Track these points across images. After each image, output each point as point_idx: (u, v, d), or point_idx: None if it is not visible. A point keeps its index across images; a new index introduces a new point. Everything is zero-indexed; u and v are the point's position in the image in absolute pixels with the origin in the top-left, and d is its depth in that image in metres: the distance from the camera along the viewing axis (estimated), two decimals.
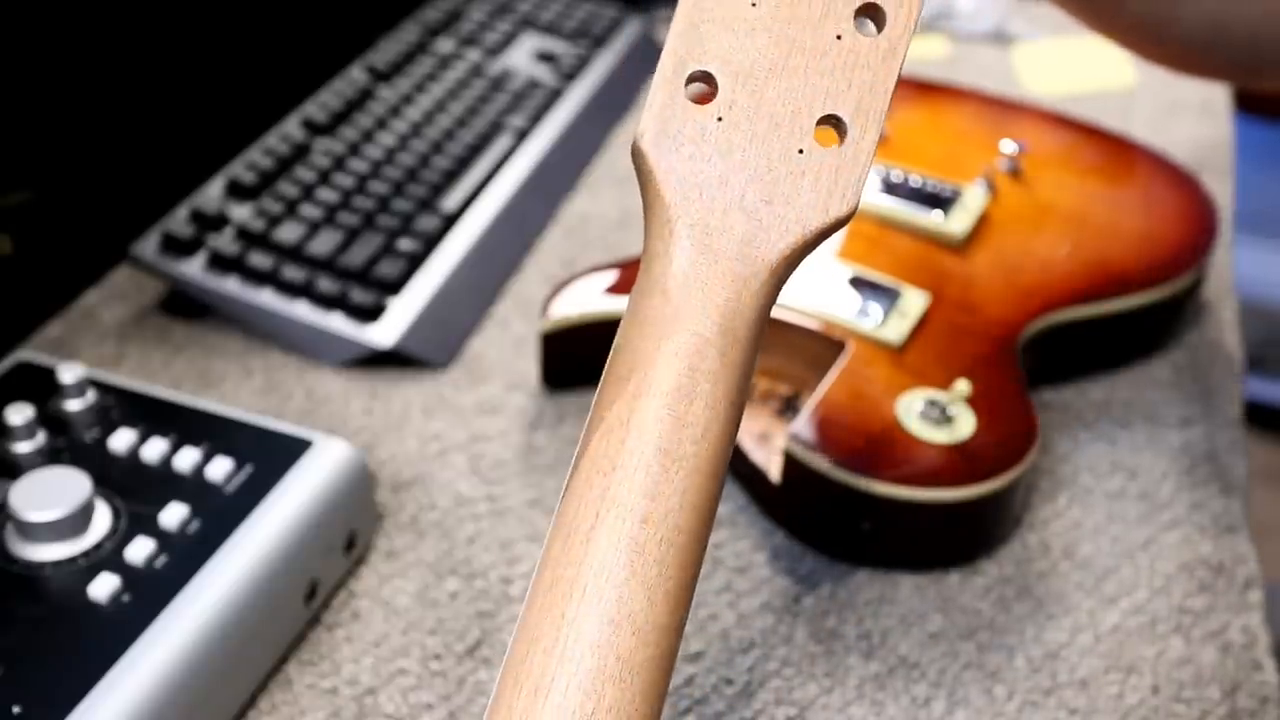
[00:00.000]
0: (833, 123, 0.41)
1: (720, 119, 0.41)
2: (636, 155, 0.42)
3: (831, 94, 0.41)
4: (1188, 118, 0.99)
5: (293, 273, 0.73)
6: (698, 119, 0.41)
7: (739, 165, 0.41)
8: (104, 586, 0.52)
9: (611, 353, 0.42)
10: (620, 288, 0.71)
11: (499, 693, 0.38)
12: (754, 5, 0.42)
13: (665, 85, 0.42)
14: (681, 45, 0.42)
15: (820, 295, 0.70)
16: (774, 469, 0.64)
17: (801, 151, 0.41)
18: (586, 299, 0.70)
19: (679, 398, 0.40)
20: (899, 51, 0.41)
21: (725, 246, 0.41)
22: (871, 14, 0.42)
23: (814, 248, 0.42)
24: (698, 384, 0.40)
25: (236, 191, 0.78)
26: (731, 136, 0.41)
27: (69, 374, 0.60)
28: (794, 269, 0.42)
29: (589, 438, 0.41)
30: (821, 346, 0.68)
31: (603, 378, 0.42)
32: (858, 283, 0.71)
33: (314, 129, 0.84)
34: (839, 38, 0.41)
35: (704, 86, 0.42)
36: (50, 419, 0.60)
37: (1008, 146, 0.79)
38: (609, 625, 0.38)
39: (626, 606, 0.38)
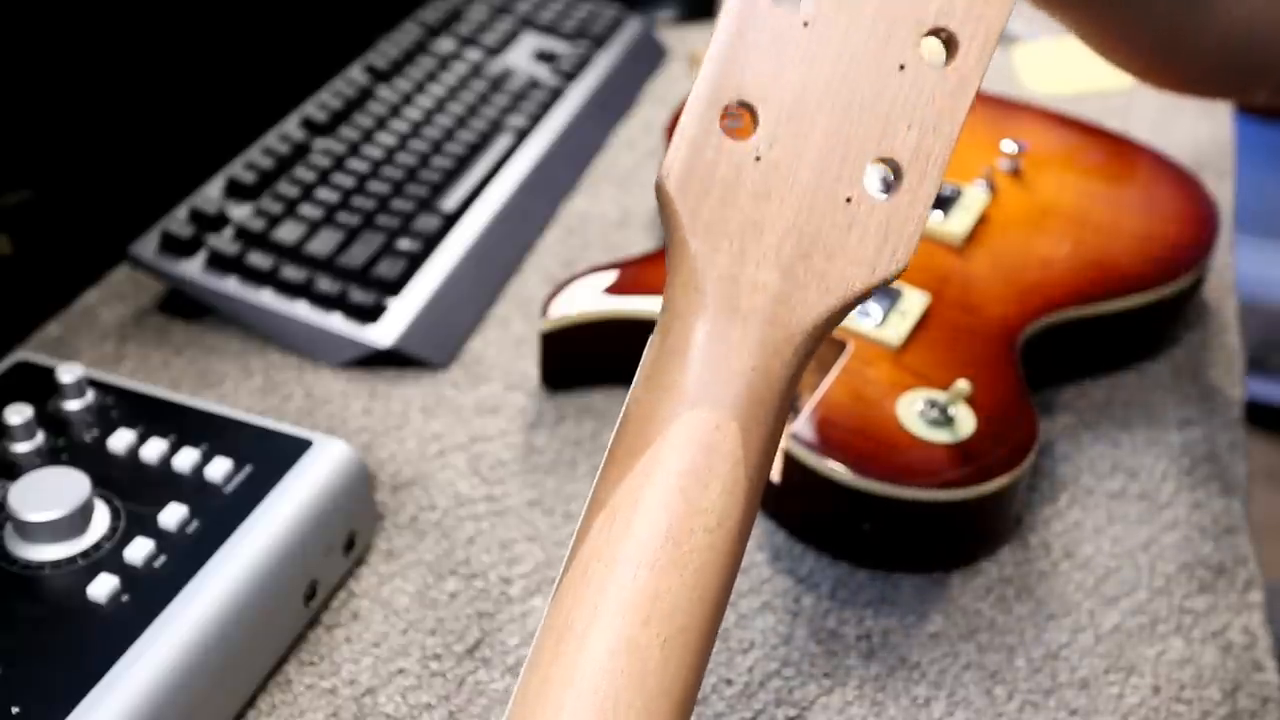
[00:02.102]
0: (888, 167, 0.36)
1: (759, 158, 0.36)
2: (660, 195, 0.37)
3: (889, 134, 0.36)
4: (1188, 118, 0.98)
5: (292, 273, 0.73)
6: (732, 157, 0.36)
7: (777, 213, 0.36)
8: (103, 587, 0.52)
9: (619, 421, 0.38)
10: (620, 288, 0.71)
11: None
12: (806, 25, 0.36)
13: (698, 116, 0.36)
14: (719, 70, 0.36)
15: None
16: (774, 469, 0.64)
17: (849, 200, 0.36)
18: (586, 299, 0.70)
19: (693, 482, 0.36)
20: (970, 87, 0.36)
21: (756, 307, 0.36)
22: (944, 41, 0.36)
23: (855, 308, 0.37)
24: (715, 467, 0.36)
25: (236, 191, 0.78)
26: (770, 179, 0.36)
27: (68, 374, 0.60)
28: (830, 331, 0.37)
29: (589, 521, 0.37)
30: (821, 346, 0.68)
31: (608, 450, 0.38)
32: None
33: (314, 129, 0.84)
34: (902, 68, 0.36)
35: (742, 119, 0.37)
36: (50, 419, 0.60)
37: (1008, 146, 0.79)
38: None
39: (621, 713, 0.34)
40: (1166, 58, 0.63)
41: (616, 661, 0.35)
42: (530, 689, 0.35)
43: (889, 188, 0.36)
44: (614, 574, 0.35)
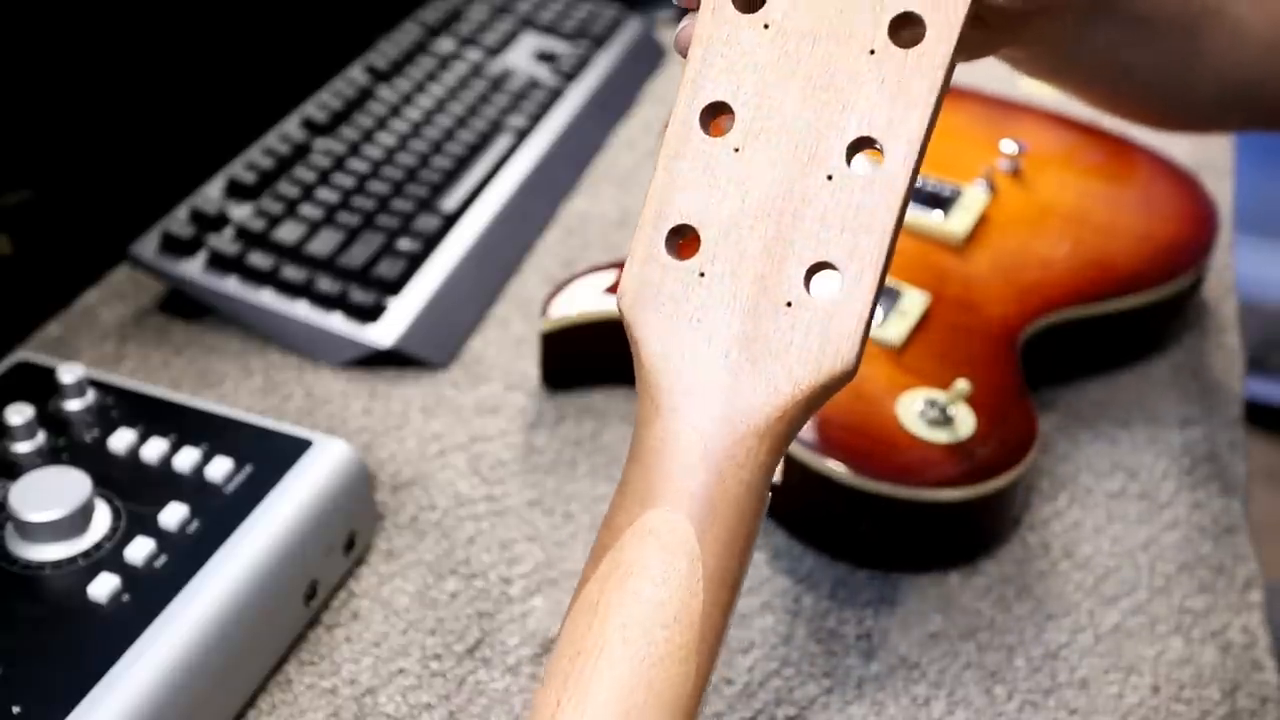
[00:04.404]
0: (822, 270, 0.38)
1: (702, 274, 0.39)
2: (619, 312, 0.39)
3: (823, 240, 0.38)
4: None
5: (293, 273, 0.73)
6: (679, 275, 0.39)
7: (723, 324, 0.38)
8: (104, 586, 0.52)
9: (603, 524, 0.40)
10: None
11: None
12: (737, 150, 0.39)
13: (643, 242, 0.39)
14: (660, 199, 0.39)
15: None
16: (773, 470, 0.64)
17: (790, 304, 0.38)
18: (586, 299, 0.70)
19: (648, 582, 0.37)
20: (899, 186, 0.38)
21: (706, 412, 0.38)
22: (867, 150, 0.39)
23: (813, 409, 0.38)
24: (672, 567, 0.37)
25: (236, 191, 0.78)
26: (714, 293, 0.38)
27: (69, 374, 0.60)
28: (792, 434, 0.39)
29: (568, 613, 0.39)
30: None
31: (592, 548, 0.39)
32: None
33: (314, 129, 0.84)
34: (830, 178, 0.38)
35: (686, 239, 0.39)
36: (50, 419, 0.60)
37: (1008, 146, 0.79)
38: None
39: None
40: (1164, 110, 0.64)
41: None
42: None
43: (829, 290, 0.38)
44: (576, 665, 0.37)
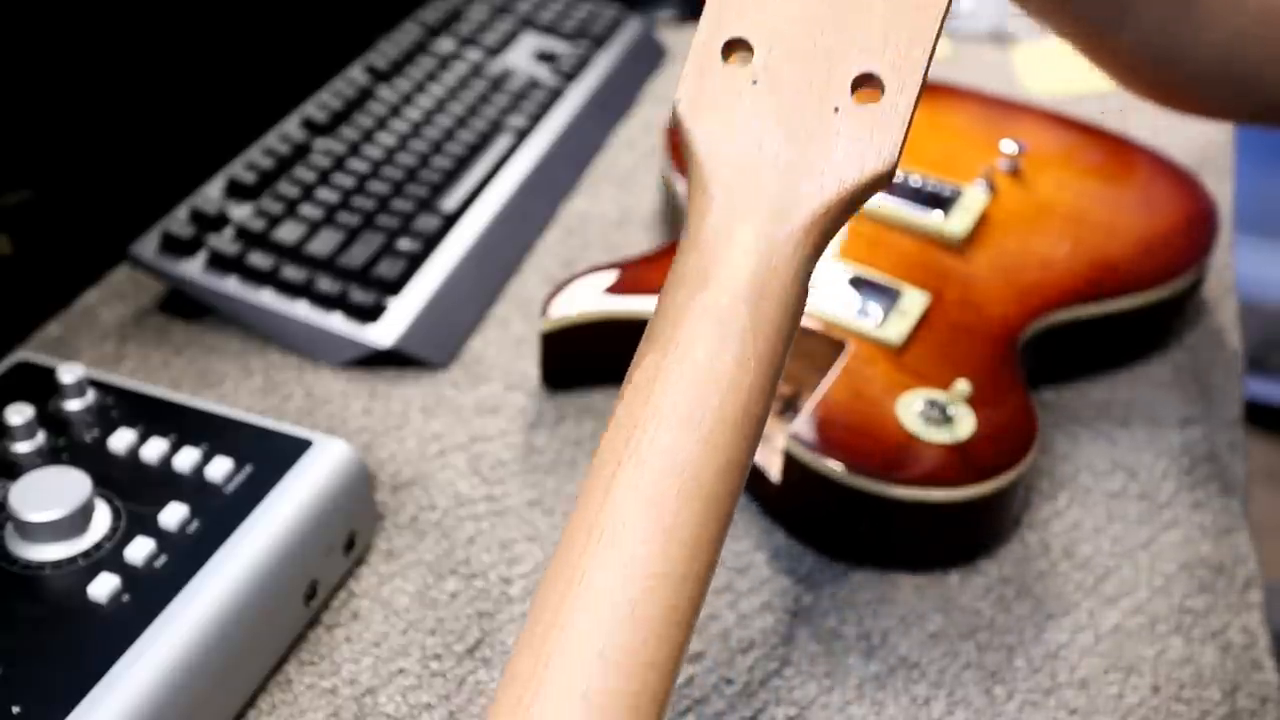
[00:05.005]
0: (869, 80, 0.41)
1: (755, 81, 0.42)
2: (675, 120, 0.42)
3: (866, 51, 0.41)
4: (1188, 118, 0.98)
5: (293, 273, 0.73)
6: (733, 84, 0.42)
7: (773, 127, 0.41)
8: (104, 586, 0.52)
9: (652, 315, 0.43)
10: (620, 288, 0.71)
11: (523, 631, 0.40)
12: None
13: (700, 52, 0.42)
14: (716, 11, 0.42)
15: (820, 295, 0.70)
16: (774, 469, 0.64)
17: (837, 110, 0.41)
18: (586, 299, 0.70)
19: (704, 354, 0.40)
20: (940, 2, 0.41)
21: (757, 206, 0.41)
22: None
23: (854, 208, 0.42)
24: (726, 340, 0.40)
25: (236, 191, 0.78)
26: (766, 99, 0.42)
27: (69, 374, 0.60)
28: (833, 230, 0.42)
29: (622, 392, 0.42)
30: (821, 346, 0.68)
31: (644, 334, 0.42)
32: (858, 283, 0.71)
33: (314, 129, 0.84)
34: None
35: (740, 50, 0.42)
36: (50, 419, 0.60)
37: (1008, 146, 0.79)
38: (620, 570, 0.39)
39: (639, 553, 0.39)
40: (1157, 69, 0.64)
41: (636, 505, 0.39)
42: (567, 531, 0.40)
43: (873, 98, 0.41)
44: (635, 434, 0.40)
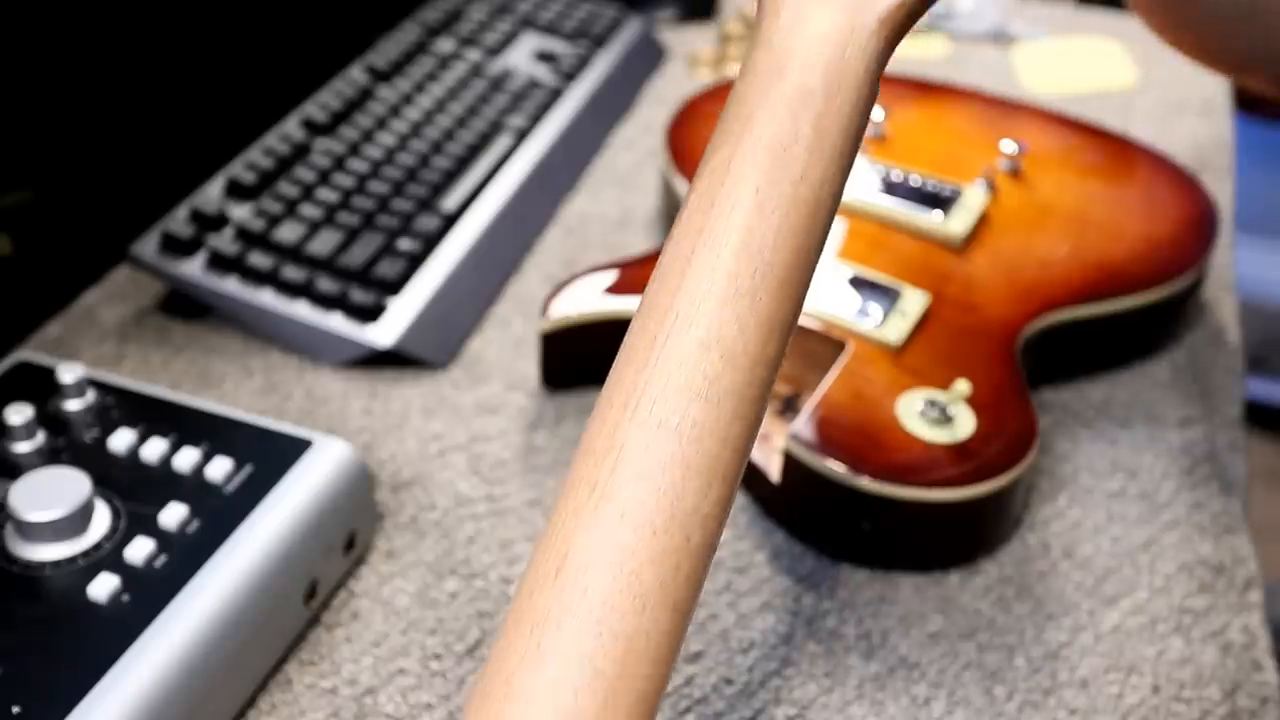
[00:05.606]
0: None
1: None
2: None
3: None
4: (1188, 118, 0.98)
5: (293, 273, 0.73)
6: None
7: None
8: (104, 586, 0.52)
9: (724, 108, 0.44)
10: (620, 288, 0.71)
11: (596, 406, 0.41)
12: None
13: None
14: None
15: (820, 295, 0.70)
16: (774, 469, 0.64)
17: None
18: (586, 299, 0.70)
19: (778, 141, 0.42)
20: None
21: (832, 2, 0.42)
22: None
23: (923, 9, 0.43)
24: (799, 129, 0.42)
25: (236, 191, 0.78)
26: None
27: (69, 374, 0.60)
28: (905, 27, 0.43)
29: (695, 183, 0.43)
30: (821, 346, 0.68)
31: (715, 131, 0.43)
32: (858, 283, 0.71)
33: (314, 129, 0.84)
34: None
35: None
36: (50, 419, 0.60)
37: (1008, 146, 0.79)
38: (698, 347, 0.40)
39: (716, 331, 0.40)
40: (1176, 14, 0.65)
41: (713, 284, 0.40)
42: (641, 313, 0.41)
43: None
44: (711, 216, 0.41)
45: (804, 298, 0.42)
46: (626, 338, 0.41)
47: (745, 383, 0.40)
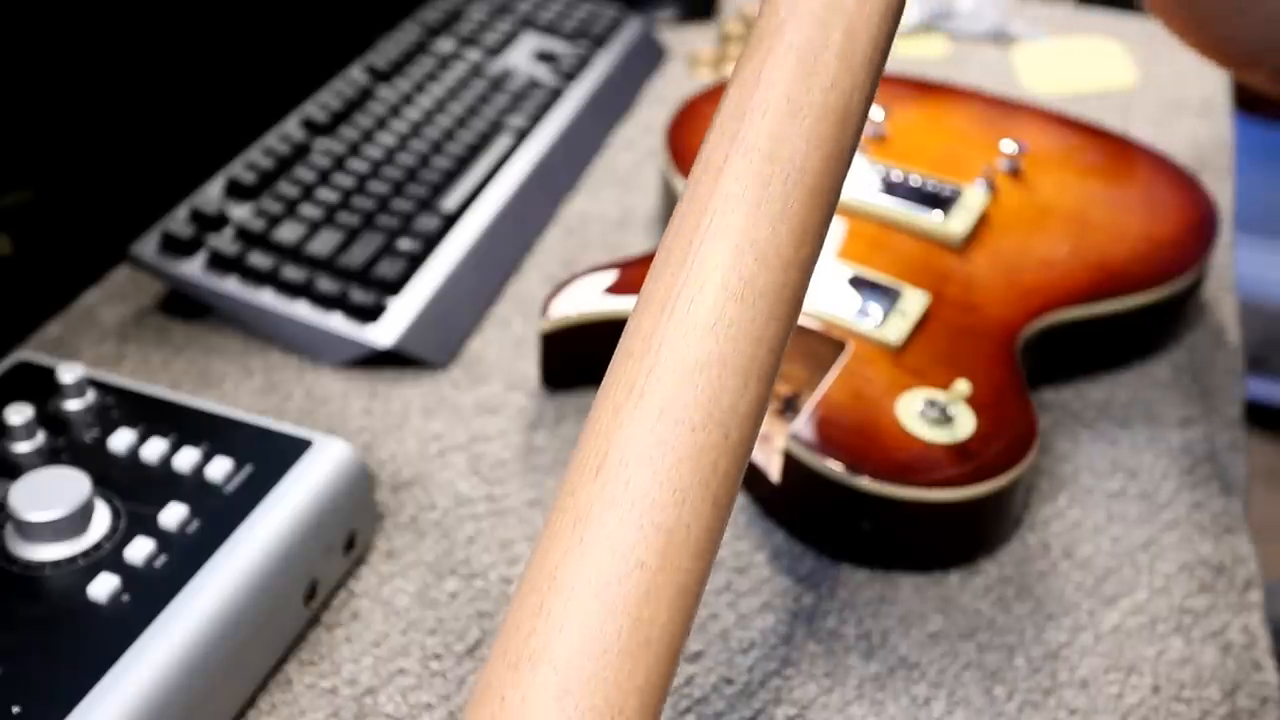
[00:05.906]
0: None
1: None
2: None
3: None
4: (1188, 118, 0.99)
5: (293, 273, 0.73)
6: None
7: None
8: (104, 586, 0.52)
9: (755, 22, 0.45)
10: (620, 288, 0.71)
11: (633, 310, 0.41)
12: None
13: None
14: None
15: (820, 295, 0.70)
16: (774, 469, 0.64)
17: None
18: (586, 299, 0.70)
19: (808, 49, 0.43)
20: None
21: None
22: None
23: None
24: (829, 37, 0.43)
25: (236, 191, 0.78)
26: None
27: (69, 374, 0.60)
28: None
29: (727, 91, 0.44)
30: (821, 346, 0.68)
31: (745, 46, 0.45)
32: (858, 283, 0.71)
33: (314, 129, 0.84)
34: None
35: None
36: (50, 419, 0.60)
37: (1008, 146, 0.79)
38: (733, 249, 0.41)
39: (750, 234, 0.41)
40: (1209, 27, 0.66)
41: (745, 188, 0.41)
42: (674, 218, 0.42)
43: None
44: (743, 124, 0.42)
45: (834, 205, 0.43)
46: (662, 242, 0.42)
47: (780, 284, 0.41)
